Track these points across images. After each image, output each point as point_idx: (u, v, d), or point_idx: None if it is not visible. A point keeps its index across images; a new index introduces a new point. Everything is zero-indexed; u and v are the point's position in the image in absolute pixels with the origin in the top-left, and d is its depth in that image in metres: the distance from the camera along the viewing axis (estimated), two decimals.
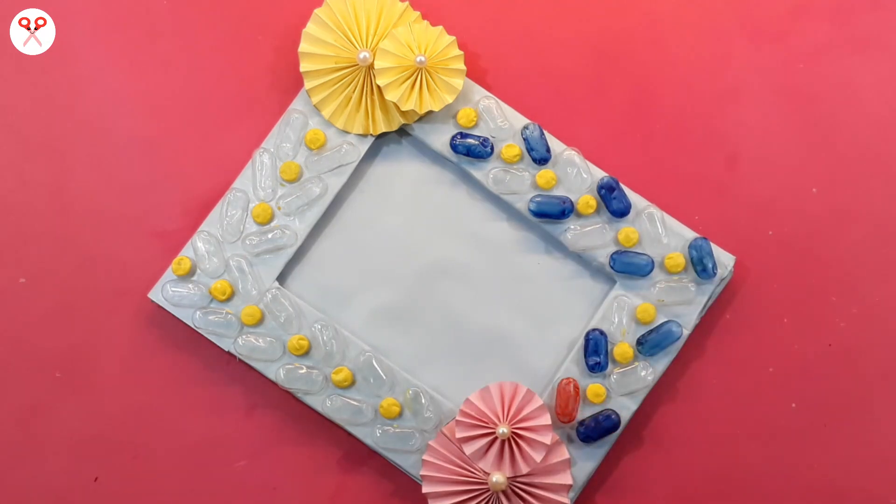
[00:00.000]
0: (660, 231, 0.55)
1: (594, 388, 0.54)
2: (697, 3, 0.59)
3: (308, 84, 0.55)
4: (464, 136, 0.56)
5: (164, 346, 0.56)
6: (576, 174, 0.56)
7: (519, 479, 0.53)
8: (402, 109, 0.55)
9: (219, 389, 0.56)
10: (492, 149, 0.56)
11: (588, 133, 0.58)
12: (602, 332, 0.55)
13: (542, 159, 0.56)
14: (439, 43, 0.55)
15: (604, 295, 0.56)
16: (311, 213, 0.56)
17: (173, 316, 0.55)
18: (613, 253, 0.55)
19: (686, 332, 0.55)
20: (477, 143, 0.56)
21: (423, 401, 0.54)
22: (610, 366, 0.55)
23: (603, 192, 0.55)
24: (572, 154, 0.56)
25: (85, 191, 0.57)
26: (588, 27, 0.59)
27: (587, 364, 0.55)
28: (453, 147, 0.56)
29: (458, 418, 0.53)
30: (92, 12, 0.58)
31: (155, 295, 0.55)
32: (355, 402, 0.54)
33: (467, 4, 0.59)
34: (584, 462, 0.55)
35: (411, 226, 0.57)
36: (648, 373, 0.54)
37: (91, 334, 0.56)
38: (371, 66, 0.55)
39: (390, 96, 0.54)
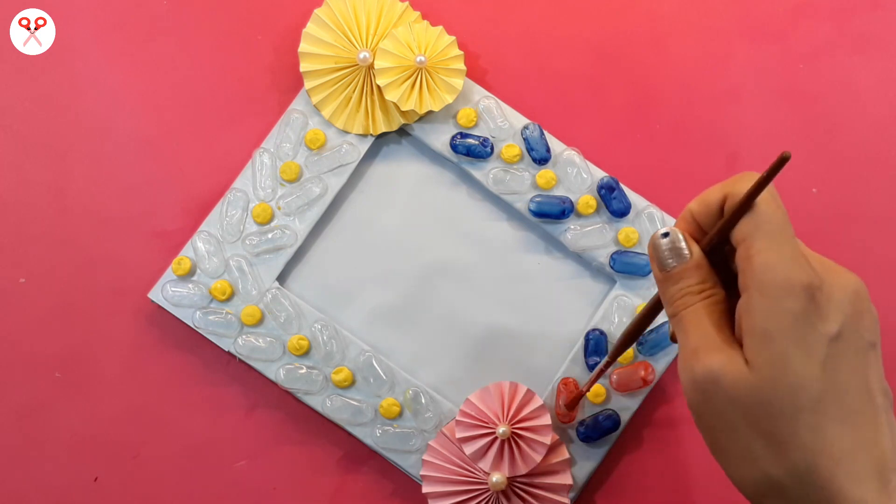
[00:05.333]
0: None
1: (594, 388, 0.54)
2: (697, 3, 0.59)
3: (308, 84, 0.55)
4: (464, 136, 0.56)
5: (164, 346, 0.56)
6: (576, 174, 0.56)
7: (519, 479, 0.53)
8: (402, 109, 0.55)
9: (219, 389, 0.56)
10: (492, 149, 0.56)
11: (588, 133, 0.58)
12: (602, 332, 0.55)
13: (542, 159, 0.56)
14: (439, 43, 0.55)
15: (604, 295, 0.56)
16: (311, 213, 0.56)
17: (173, 316, 0.55)
18: (613, 253, 0.55)
19: None
20: (477, 143, 0.56)
21: (423, 401, 0.54)
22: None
23: (603, 192, 0.55)
24: (572, 154, 0.56)
25: (85, 191, 0.57)
26: (588, 27, 0.59)
27: (587, 364, 0.55)
28: (453, 147, 0.56)
29: (458, 418, 0.53)
30: (92, 12, 0.58)
31: (155, 295, 0.55)
32: (355, 402, 0.54)
33: (467, 4, 0.59)
34: (584, 462, 0.55)
35: (411, 226, 0.57)
36: (648, 372, 0.54)
37: (91, 334, 0.56)
38: (371, 66, 0.55)
39: (390, 96, 0.54)
